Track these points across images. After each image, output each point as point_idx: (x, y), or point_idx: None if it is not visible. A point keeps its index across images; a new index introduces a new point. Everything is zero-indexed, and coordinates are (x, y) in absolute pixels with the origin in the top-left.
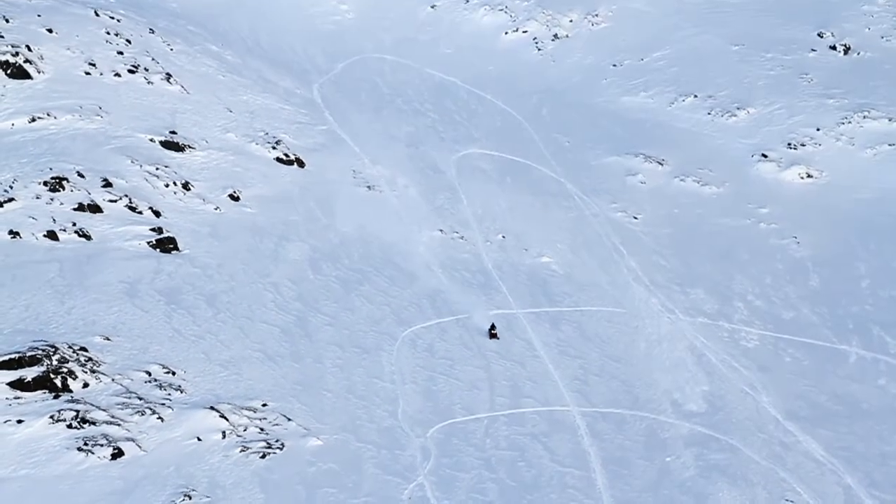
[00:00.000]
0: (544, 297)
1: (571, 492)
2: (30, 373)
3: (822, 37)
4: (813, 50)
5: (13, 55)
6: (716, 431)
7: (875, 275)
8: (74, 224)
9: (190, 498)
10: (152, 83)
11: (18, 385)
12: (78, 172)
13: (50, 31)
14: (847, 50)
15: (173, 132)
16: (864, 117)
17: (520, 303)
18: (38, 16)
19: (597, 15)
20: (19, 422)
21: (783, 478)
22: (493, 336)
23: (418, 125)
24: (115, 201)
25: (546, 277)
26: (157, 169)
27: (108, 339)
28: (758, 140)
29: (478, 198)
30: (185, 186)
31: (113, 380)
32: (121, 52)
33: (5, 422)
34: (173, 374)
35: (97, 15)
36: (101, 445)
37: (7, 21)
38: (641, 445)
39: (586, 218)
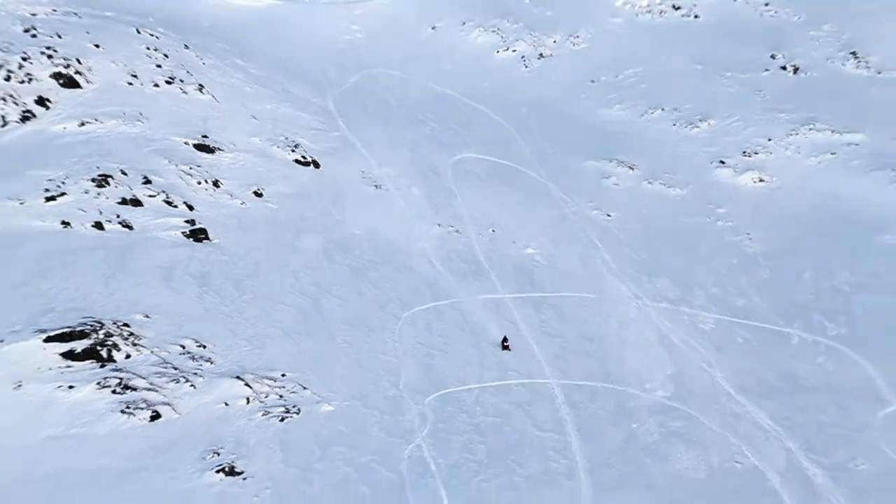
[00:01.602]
0: (528, 283)
1: (550, 453)
2: (79, 345)
3: (774, 58)
4: (766, 70)
5: (65, 67)
6: (676, 402)
7: (816, 268)
8: (118, 216)
9: (218, 455)
10: (187, 93)
11: (69, 356)
12: (121, 171)
13: (97, 46)
14: (796, 70)
15: (205, 136)
16: (810, 129)
17: (507, 288)
18: (87, 33)
19: (577, 37)
20: (70, 387)
21: (734, 443)
22: (505, 348)
23: (420, 132)
24: (154, 196)
25: (530, 267)
26: (190, 168)
27: (147, 317)
28: (717, 148)
29: (471, 197)
30: (215, 184)
31: (152, 352)
32: (159, 66)
33: (58, 387)
34: (204, 347)
35: (139, 32)
36: (141, 409)
37: (60, 37)
38: (611, 414)
39: (566, 215)
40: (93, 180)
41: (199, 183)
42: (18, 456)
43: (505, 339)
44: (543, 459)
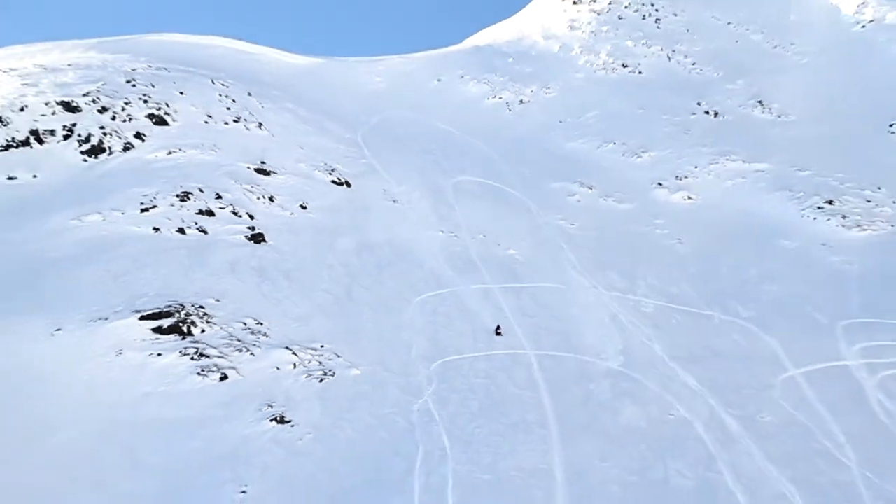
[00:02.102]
0: (511, 276)
1: (526, 406)
2: (166, 322)
3: (699, 105)
4: (693, 114)
5: (157, 109)
6: (624, 368)
7: (731, 265)
8: (196, 223)
9: (271, 407)
10: (249, 129)
11: (158, 330)
12: (199, 189)
13: (181, 93)
14: (716, 114)
15: (263, 162)
16: (727, 160)
17: (494, 280)
18: (174, 83)
19: (549, 88)
20: (159, 355)
21: (668, 399)
22: (498, 334)
23: (427, 160)
24: (224, 208)
25: (512, 263)
26: (251, 187)
27: (217, 301)
28: (655, 173)
29: (467, 210)
30: (270, 199)
31: (221, 328)
32: (228, 108)
33: (149, 355)
34: (261, 324)
35: (213, 83)
36: (213, 372)
37: (153, 86)
38: (574, 377)
39: (540, 224)
40: (177, 196)
41: (258, 198)
42: (121, 406)
43: (498, 327)
44: (521, 412)
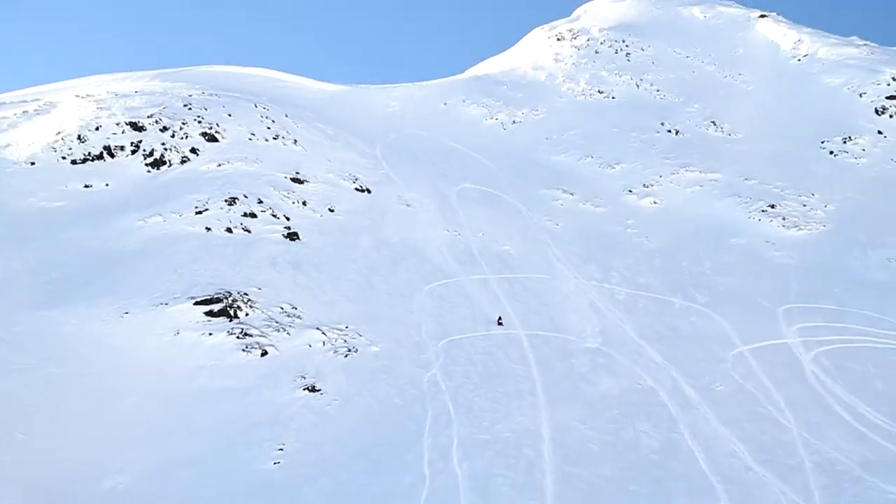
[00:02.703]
0: (505, 268)
1: (518, 378)
2: (216, 307)
3: (663, 125)
4: (657, 132)
5: (209, 128)
6: (600, 346)
7: (690, 259)
8: (241, 224)
9: (304, 378)
10: (286, 145)
11: (210, 314)
12: (244, 195)
13: (230, 115)
14: (677, 133)
15: (297, 172)
16: (686, 170)
17: (491, 271)
18: (223, 107)
19: (537, 110)
20: (210, 334)
21: (638, 372)
22: (499, 324)
23: (435, 171)
24: (265, 212)
25: (506, 257)
26: (287, 193)
27: (259, 289)
28: (626, 182)
29: (468, 212)
30: (304, 203)
31: (262, 312)
32: (269, 127)
33: (202, 334)
34: (295, 308)
35: (255, 107)
36: (255, 348)
37: (206, 109)
38: (559, 353)
39: (529, 225)
40: (225, 201)
41: (293, 203)
42: (178, 378)
43: (500, 319)
44: (514, 382)
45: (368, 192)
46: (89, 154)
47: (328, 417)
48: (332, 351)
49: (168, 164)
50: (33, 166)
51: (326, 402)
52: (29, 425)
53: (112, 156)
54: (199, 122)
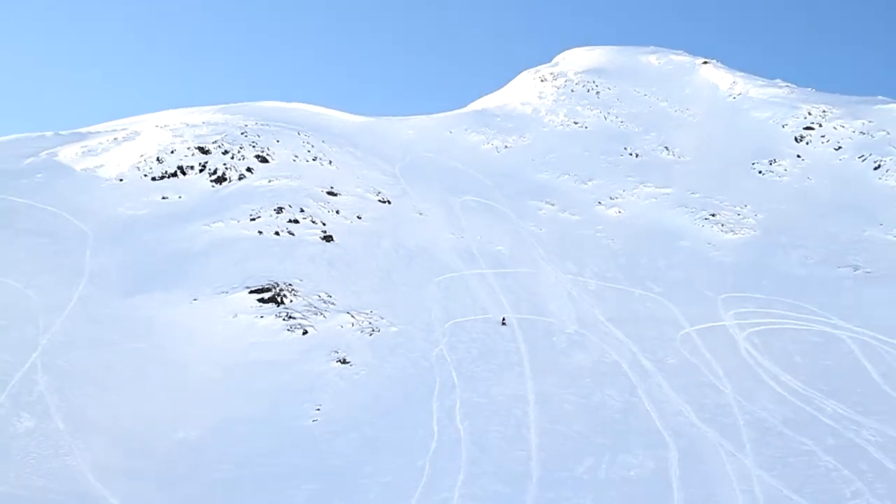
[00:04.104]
0: (499, 264)
1: (509, 353)
2: (266, 295)
3: (626, 149)
4: (621, 155)
5: (261, 152)
6: (576, 327)
7: (647, 257)
8: (286, 229)
9: (337, 353)
10: (322, 165)
11: (261, 300)
12: (289, 205)
13: (278, 141)
14: (637, 156)
15: (332, 187)
16: (644, 186)
17: (487, 267)
18: (272, 134)
19: (524, 137)
20: (261, 317)
21: (604, 348)
22: (504, 324)
23: (442, 185)
24: (305, 219)
25: (499, 256)
26: (324, 204)
27: (301, 281)
28: (596, 195)
29: (469, 219)
30: (337, 212)
31: (303, 299)
32: (309, 151)
33: (255, 317)
34: (330, 296)
35: (298, 134)
36: (298, 329)
37: (258, 136)
38: (542, 333)
39: (519, 229)
40: (274, 210)
41: (328, 212)
42: (236, 351)
43: (504, 319)
44: (506, 356)
45: (389, 203)
46: (166, 172)
47: (356, 384)
48: (360, 331)
49: (228, 180)
50: (121, 182)
51: (355, 372)
52: (117, 388)
53: (184, 174)
54: (253, 146)
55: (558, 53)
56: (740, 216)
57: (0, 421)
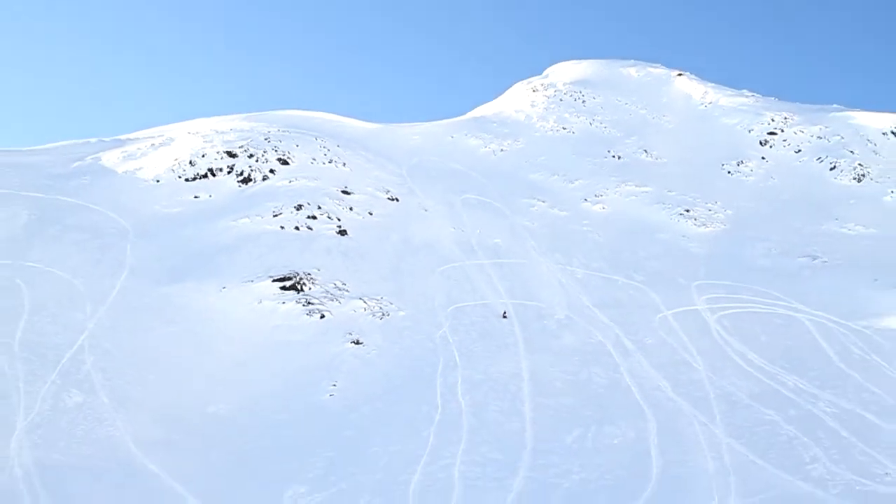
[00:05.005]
0: (495, 255)
1: (505, 335)
2: (287, 283)
3: (609, 152)
4: (605, 157)
5: (283, 155)
6: (565, 311)
7: (629, 250)
8: (305, 224)
9: (351, 335)
10: (337, 167)
11: (283, 288)
12: (307, 203)
13: (297, 145)
14: (619, 158)
15: (346, 186)
16: (626, 185)
17: (486, 258)
18: (293, 139)
19: (518, 141)
20: (283, 303)
21: (591, 329)
22: (504, 317)
23: (445, 185)
24: (322, 215)
25: (496, 247)
26: (339, 202)
27: (318, 270)
28: (583, 193)
29: (469, 215)
30: (351, 209)
31: (320, 287)
32: (325, 154)
33: (278, 303)
34: (345, 284)
35: (315, 139)
36: (315, 313)
37: (280, 142)
38: (535, 317)
39: (513, 224)
40: (294, 207)
41: (343, 209)
42: (261, 333)
43: (504, 313)
44: (503, 338)
45: (397, 200)
46: (197, 174)
47: (368, 363)
48: (371, 315)
49: (253, 181)
50: (158, 183)
51: (367, 352)
52: (155, 368)
53: (214, 175)
54: (276, 150)
55: (548, 66)
56: (711, 212)
57: (52, 396)
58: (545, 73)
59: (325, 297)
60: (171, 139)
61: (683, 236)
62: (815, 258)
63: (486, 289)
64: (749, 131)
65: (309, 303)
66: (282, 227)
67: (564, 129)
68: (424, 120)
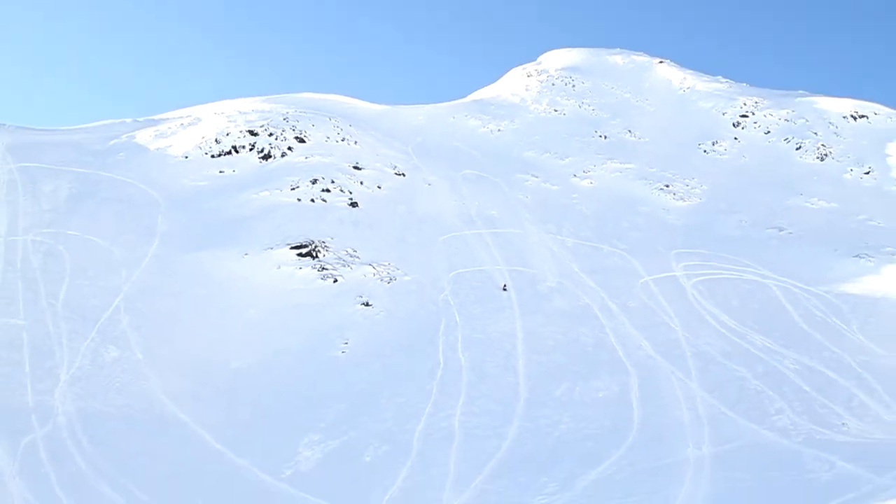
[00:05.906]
0: (492, 226)
1: (502, 298)
2: (304, 250)
3: (596, 132)
4: (593, 137)
5: (300, 134)
6: (558, 279)
7: (613, 221)
8: (320, 196)
9: (361, 297)
10: (349, 145)
11: (300, 255)
12: (322, 177)
13: (313, 125)
14: (605, 138)
15: (357, 163)
16: (611, 162)
17: (483, 228)
18: (309, 120)
19: (514, 122)
20: (300, 268)
21: (579, 294)
22: (504, 290)
23: (447, 162)
24: (335, 188)
25: (493, 218)
26: (350, 176)
27: (332, 239)
28: (573, 169)
29: (469, 189)
30: (361, 183)
31: (334, 254)
32: (338, 133)
33: (295, 268)
34: (356, 251)
35: (329, 119)
36: (329, 278)
37: (297, 122)
38: (529, 283)
39: (509, 197)
40: (310, 181)
41: (354, 183)
42: (280, 296)
43: (504, 286)
44: (499, 301)
45: (404, 175)
46: (222, 151)
47: (377, 323)
48: (380, 279)
49: (273, 157)
50: (187, 159)
51: (376, 313)
52: (184, 327)
53: (237, 152)
54: (293, 129)
55: (542, 53)
56: (689, 187)
57: (91, 352)
58: (539, 59)
59: (338, 263)
60: (199, 119)
61: (663, 209)
62: (781, 229)
63: (484, 256)
64: (723, 114)
65: (323, 268)
66: (298, 200)
67: (556, 111)
68: (428, 102)
